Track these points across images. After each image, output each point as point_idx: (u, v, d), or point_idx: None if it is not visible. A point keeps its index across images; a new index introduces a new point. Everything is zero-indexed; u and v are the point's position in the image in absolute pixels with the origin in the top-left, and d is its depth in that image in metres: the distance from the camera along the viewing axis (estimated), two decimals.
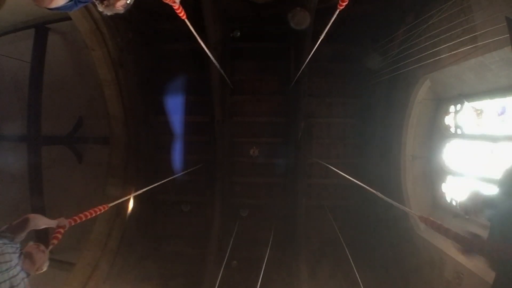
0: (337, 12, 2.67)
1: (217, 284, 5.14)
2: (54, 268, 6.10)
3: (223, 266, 5.95)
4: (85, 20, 6.03)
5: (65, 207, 7.46)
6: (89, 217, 2.74)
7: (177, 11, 2.49)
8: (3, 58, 7.21)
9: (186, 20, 2.79)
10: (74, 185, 8.21)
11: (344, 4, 2.44)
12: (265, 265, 5.58)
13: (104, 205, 2.93)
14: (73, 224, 2.61)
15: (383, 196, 3.11)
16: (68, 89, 7.99)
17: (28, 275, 2.21)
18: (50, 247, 2.46)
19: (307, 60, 4.87)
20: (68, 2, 1.75)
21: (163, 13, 7.38)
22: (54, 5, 1.67)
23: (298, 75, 6.25)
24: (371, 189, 3.44)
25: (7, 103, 7.99)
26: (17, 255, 2.17)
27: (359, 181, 3.84)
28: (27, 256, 2.21)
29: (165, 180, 4.92)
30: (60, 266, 6.36)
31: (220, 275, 5.43)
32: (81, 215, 2.70)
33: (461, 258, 4.18)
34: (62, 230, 2.55)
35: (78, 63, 7.66)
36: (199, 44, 3.58)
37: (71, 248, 6.49)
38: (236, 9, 7.25)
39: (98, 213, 2.87)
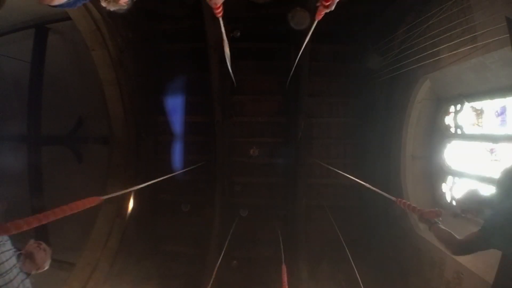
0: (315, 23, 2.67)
1: (215, 284, 5.12)
2: (54, 268, 6.13)
3: (221, 265, 5.93)
4: (85, 20, 6.03)
5: None
6: (75, 210, 2.05)
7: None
8: (3, 58, 7.21)
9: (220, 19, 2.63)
10: (74, 185, 8.19)
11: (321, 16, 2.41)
12: (266, 265, 5.57)
13: (95, 197, 2.32)
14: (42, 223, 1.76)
15: (378, 191, 3.13)
16: (68, 89, 7.99)
17: (28, 275, 2.15)
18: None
19: (298, 57, 4.89)
20: None
21: (163, 13, 7.39)
22: (56, 2, 1.67)
23: (291, 72, 6.24)
24: (370, 186, 3.45)
25: (7, 103, 7.99)
26: (14, 256, 2.06)
27: (358, 179, 3.85)
28: (27, 256, 2.10)
29: (165, 177, 4.88)
30: (60, 266, 6.36)
31: (219, 275, 5.42)
32: (59, 209, 1.90)
33: (461, 258, 4.18)
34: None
35: (78, 63, 7.65)
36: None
37: (71, 248, 6.50)
38: (236, 9, 7.24)
39: (88, 206, 2.23)
